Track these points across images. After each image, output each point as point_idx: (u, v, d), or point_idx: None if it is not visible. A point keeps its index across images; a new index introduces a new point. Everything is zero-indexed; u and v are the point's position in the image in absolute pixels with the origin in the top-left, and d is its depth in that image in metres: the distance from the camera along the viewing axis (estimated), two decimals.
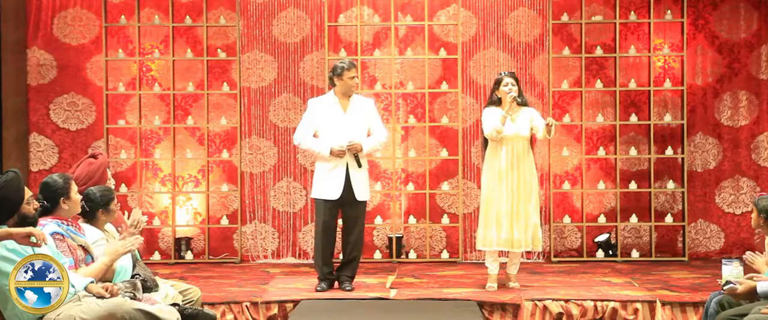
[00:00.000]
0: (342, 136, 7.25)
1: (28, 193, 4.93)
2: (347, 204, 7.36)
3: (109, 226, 5.89)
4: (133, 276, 5.48)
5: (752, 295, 5.37)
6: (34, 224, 4.88)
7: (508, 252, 7.43)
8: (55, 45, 9.41)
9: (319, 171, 7.38)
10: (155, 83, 9.44)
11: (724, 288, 5.48)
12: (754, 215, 5.66)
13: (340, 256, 7.59)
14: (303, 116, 7.57)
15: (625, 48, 9.34)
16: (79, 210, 5.46)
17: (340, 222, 7.56)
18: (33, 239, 4.64)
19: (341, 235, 7.57)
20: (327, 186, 7.30)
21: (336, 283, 7.47)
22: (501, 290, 7.34)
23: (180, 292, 5.78)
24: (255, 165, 9.43)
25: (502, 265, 7.58)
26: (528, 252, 8.84)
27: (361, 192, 7.35)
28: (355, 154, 7.25)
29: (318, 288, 7.37)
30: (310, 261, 9.34)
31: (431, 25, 9.37)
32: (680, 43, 9.27)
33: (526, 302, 6.94)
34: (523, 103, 7.34)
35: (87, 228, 5.57)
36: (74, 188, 5.39)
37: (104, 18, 9.19)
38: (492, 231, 7.26)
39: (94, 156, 6.72)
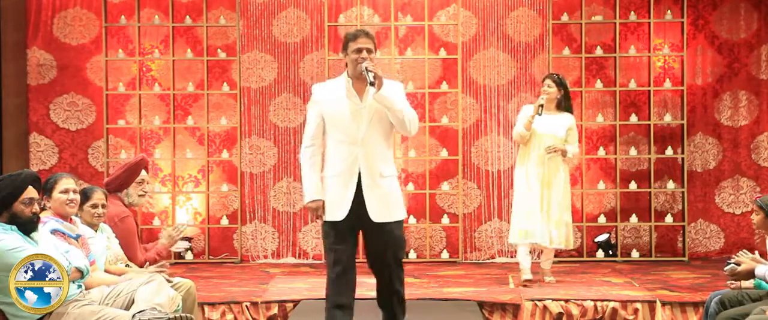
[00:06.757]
0: (356, 132, 5.47)
1: (32, 194, 4.87)
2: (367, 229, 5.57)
3: (104, 226, 5.88)
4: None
5: (749, 276, 5.34)
6: (32, 224, 4.86)
7: (541, 248, 7.58)
8: (55, 45, 9.41)
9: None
10: (155, 83, 9.44)
11: (725, 269, 5.41)
12: (759, 217, 5.59)
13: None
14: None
15: (625, 48, 9.33)
16: (67, 211, 5.31)
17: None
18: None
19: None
20: (330, 203, 5.50)
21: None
22: (501, 290, 7.33)
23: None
24: (255, 166, 9.43)
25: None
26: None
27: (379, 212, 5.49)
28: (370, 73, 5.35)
29: None
30: (310, 260, 9.37)
31: (431, 25, 9.36)
32: (680, 43, 9.27)
33: (526, 302, 6.93)
34: (567, 108, 7.47)
35: (81, 226, 5.57)
36: (59, 187, 5.30)
37: (104, 18, 9.19)
38: (523, 226, 7.39)
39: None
